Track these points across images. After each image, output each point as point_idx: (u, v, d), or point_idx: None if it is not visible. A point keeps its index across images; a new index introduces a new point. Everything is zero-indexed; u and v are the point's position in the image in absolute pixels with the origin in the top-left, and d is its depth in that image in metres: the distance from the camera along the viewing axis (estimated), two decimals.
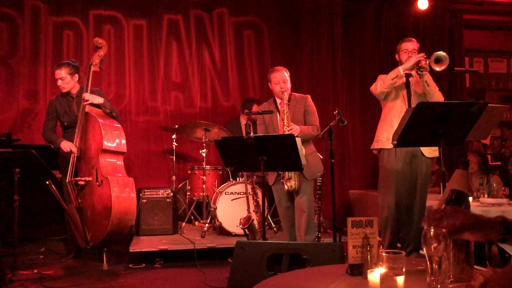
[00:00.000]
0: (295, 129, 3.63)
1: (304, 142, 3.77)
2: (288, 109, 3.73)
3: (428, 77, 3.75)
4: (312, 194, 3.85)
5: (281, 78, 3.83)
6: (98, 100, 4.24)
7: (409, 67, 3.72)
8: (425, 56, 3.73)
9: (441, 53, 3.63)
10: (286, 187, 3.71)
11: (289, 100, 3.84)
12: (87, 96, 4.19)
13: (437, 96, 3.78)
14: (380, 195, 3.98)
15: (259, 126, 3.97)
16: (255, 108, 5.55)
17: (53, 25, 5.94)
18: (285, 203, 3.85)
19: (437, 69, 3.62)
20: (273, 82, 3.86)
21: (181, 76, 6.27)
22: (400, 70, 3.74)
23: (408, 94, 3.87)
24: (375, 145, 3.99)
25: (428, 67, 3.65)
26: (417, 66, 3.70)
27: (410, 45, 3.89)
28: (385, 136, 3.89)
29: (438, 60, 3.63)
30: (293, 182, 3.68)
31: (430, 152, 3.85)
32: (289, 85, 3.87)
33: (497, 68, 7.74)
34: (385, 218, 3.84)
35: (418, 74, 3.75)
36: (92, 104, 4.24)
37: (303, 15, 6.52)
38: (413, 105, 3.80)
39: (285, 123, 3.68)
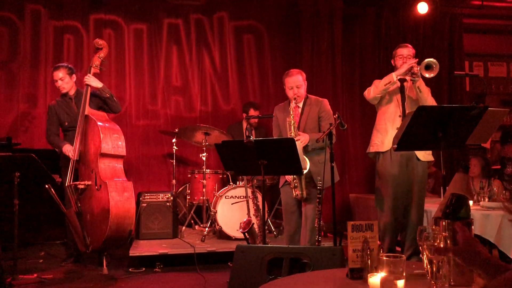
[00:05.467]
0: (302, 140, 3.61)
1: (318, 149, 3.74)
2: (295, 119, 3.70)
3: (420, 83, 3.77)
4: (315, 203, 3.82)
5: (295, 83, 3.76)
6: (97, 83, 4.35)
7: (402, 73, 3.75)
8: (417, 62, 3.76)
9: (431, 60, 3.64)
10: (294, 194, 3.70)
11: (304, 104, 3.82)
12: (87, 77, 4.32)
13: (429, 102, 3.79)
14: (377, 200, 3.98)
15: (274, 128, 3.94)
16: (251, 112, 5.58)
17: (54, 29, 5.96)
18: (291, 207, 3.82)
19: (427, 75, 3.64)
20: (287, 87, 3.81)
21: (181, 80, 6.28)
22: (394, 76, 3.75)
23: (402, 99, 3.88)
24: (370, 149, 4.01)
25: (420, 74, 3.67)
26: (410, 72, 3.72)
27: (405, 51, 3.91)
28: (379, 140, 3.90)
29: (428, 67, 3.64)
30: (300, 192, 3.67)
31: (425, 156, 3.86)
32: (303, 89, 3.81)
33: (497, 72, 7.74)
34: (384, 224, 3.83)
35: (411, 80, 3.77)
36: (92, 100, 4.38)
37: (303, 19, 6.53)
38: (407, 110, 3.83)
39: (293, 133, 3.65)
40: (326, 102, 3.89)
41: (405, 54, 3.90)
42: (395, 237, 3.92)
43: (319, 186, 3.55)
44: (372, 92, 3.85)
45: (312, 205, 3.71)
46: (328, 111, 3.84)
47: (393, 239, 3.88)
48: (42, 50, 5.91)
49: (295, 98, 3.74)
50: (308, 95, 3.90)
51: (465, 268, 1.38)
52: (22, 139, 5.53)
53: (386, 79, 3.78)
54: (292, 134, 3.66)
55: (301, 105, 3.84)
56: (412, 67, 3.71)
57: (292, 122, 3.67)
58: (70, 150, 4.22)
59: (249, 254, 2.12)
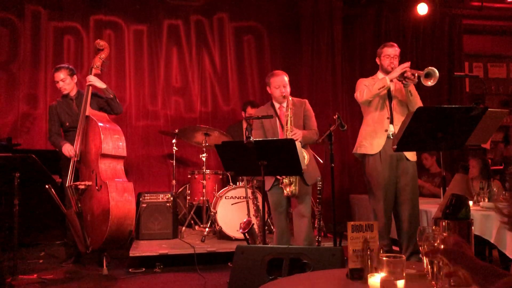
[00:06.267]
0: (298, 134, 3.62)
1: (302, 146, 3.78)
2: (281, 118, 3.72)
3: (412, 87, 3.78)
4: (310, 199, 3.85)
5: (281, 83, 3.79)
6: (101, 84, 4.36)
7: (395, 77, 3.74)
8: (409, 66, 3.75)
9: (431, 68, 3.63)
10: (285, 192, 3.70)
11: (287, 104, 3.83)
12: (91, 78, 4.32)
13: (418, 104, 3.81)
14: (370, 202, 3.97)
15: (257, 130, 3.90)
16: (249, 110, 5.58)
17: (54, 30, 5.96)
18: (281, 208, 3.82)
19: (429, 83, 3.62)
20: (273, 86, 3.83)
21: (181, 81, 6.29)
22: (387, 80, 3.74)
23: (389, 101, 3.89)
24: (358, 150, 3.97)
25: (416, 78, 3.66)
26: (402, 76, 3.71)
27: (392, 51, 3.90)
28: (368, 142, 3.88)
29: (428, 75, 3.63)
30: (294, 188, 3.67)
31: (412, 156, 3.89)
32: (288, 89, 3.84)
33: (497, 73, 7.75)
34: (380, 228, 3.81)
35: (403, 83, 3.76)
36: (93, 100, 4.38)
37: (303, 20, 6.54)
38: (394, 112, 3.84)
39: (289, 127, 3.67)
40: (307, 102, 3.96)
41: (392, 54, 3.89)
42: (390, 238, 3.92)
43: (319, 187, 3.56)
44: (365, 95, 3.82)
45: (304, 203, 3.74)
46: (311, 111, 3.93)
47: (389, 241, 3.88)
48: (42, 51, 5.91)
49: (284, 96, 3.77)
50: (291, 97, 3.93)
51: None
52: (23, 140, 5.54)
53: (379, 83, 3.75)
54: (288, 127, 3.68)
55: (285, 105, 3.86)
56: (405, 71, 3.71)
57: (290, 116, 3.68)
58: (70, 150, 4.22)
59: (249, 254, 2.12)
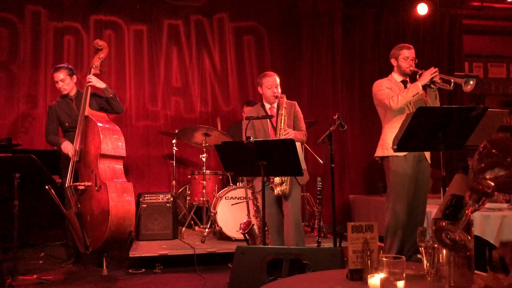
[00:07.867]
0: (291, 134, 3.65)
1: None
2: (286, 113, 3.74)
3: (436, 91, 3.81)
4: (300, 200, 3.84)
5: (273, 83, 3.84)
6: (100, 84, 4.35)
7: (426, 82, 3.74)
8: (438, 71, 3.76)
9: (471, 74, 3.65)
10: (276, 191, 3.69)
11: (278, 106, 3.84)
12: (90, 78, 4.31)
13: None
14: (390, 201, 3.90)
15: (248, 131, 3.87)
16: (245, 109, 5.58)
17: (54, 30, 5.96)
18: (273, 208, 3.82)
19: (469, 87, 3.62)
20: (265, 87, 3.86)
21: (181, 81, 6.29)
22: (420, 86, 3.73)
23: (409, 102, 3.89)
24: (385, 153, 3.86)
25: (452, 86, 3.66)
26: (431, 80, 3.71)
27: (410, 53, 3.90)
28: None
29: (467, 82, 3.64)
30: (285, 187, 3.68)
31: (428, 156, 3.88)
32: (280, 90, 3.88)
33: (497, 73, 7.75)
34: (395, 225, 3.77)
35: (430, 87, 3.76)
36: (93, 100, 4.38)
37: (303, 20, 6.55)
38: (415, 108, 3.85)
39: (282, 127, 3.69)
40: (296, 103, 3.99)
41: (410, 56, 3.89)
42: (403, 239, 3.88)
43: (319, 187, 3.56)
44: (400, 102, 3.74)
45: (293, 202, 3.74)
46: (300, 112, 3.97)
47: (402, 242, 3.83)
48: (42, 51, 5.91)
49: (275, 97, 3.80)
50: None
51: (466, 269, 1.39)
52: (22, 140, 5.54)
53: (413, 90, 3.71)
54: (282, 127, 3.70)
55: (275, 105, 3.89)
56: (434, 76, 3.71)
57: (284, 115, 3.70)
58: (69, 148, 4.21)
59: (249, 255, 2.12)
